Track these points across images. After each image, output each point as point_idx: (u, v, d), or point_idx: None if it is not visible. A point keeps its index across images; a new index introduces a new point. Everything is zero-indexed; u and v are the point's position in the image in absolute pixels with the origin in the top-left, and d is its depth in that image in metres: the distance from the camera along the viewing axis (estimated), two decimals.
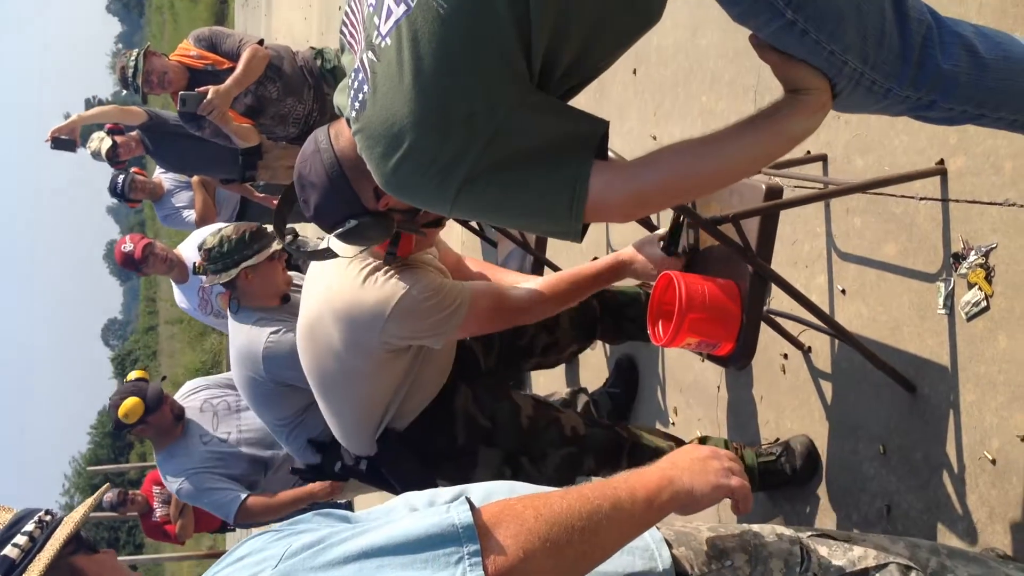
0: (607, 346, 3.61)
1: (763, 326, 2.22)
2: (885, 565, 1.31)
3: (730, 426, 2.92)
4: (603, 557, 1.11)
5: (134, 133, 4.86)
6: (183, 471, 3.43)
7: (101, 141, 4.94)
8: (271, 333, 2.93)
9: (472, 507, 1.04)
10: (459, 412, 2.38)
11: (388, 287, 2.11)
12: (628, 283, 3.07)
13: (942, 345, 2.09)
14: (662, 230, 2.26)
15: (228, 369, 3.82)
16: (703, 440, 2.62)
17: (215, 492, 3.40)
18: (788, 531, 1.36)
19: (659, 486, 1.16)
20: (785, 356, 2.64)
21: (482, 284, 2.28)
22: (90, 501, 1.32)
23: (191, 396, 3.72)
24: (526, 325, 2.53)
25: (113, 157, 4.91)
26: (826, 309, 2.37)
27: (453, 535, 1.01)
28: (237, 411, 3.59)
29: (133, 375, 3.82)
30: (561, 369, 3.82)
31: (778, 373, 2.67)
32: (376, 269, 2.15)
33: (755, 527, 1.37)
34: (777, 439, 2.60)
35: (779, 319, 2.45)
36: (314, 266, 2.34)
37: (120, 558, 1.32)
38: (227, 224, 3.42)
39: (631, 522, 1.12)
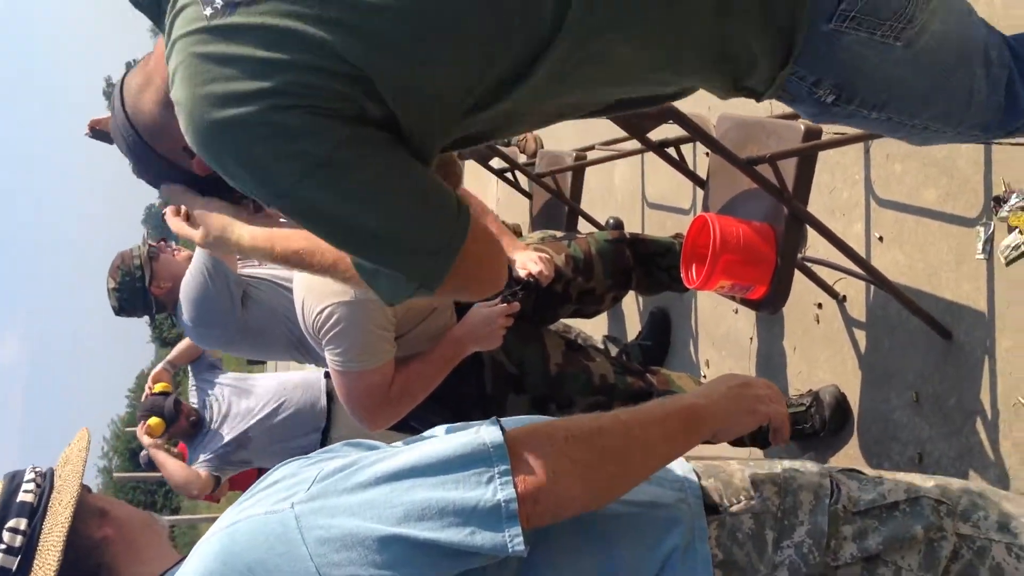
0: (640, 299, 3.60)
1: (797, 275, 2.20)
2: (916, 499, 1.30)
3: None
4: (635, 481, 1.10)
5: None
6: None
7: None
8: None
9: (502, 428, 1.04)
10: (487, 359, 2.35)
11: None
12: (662, 232, 3.06)
13: (979, 291, 2.06)
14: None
15: None
16: None
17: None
18: (818, 466, 1.35)
19: (693, 411, 1.16)
20: (819, 306, 2.62)
21: (392, 367, 2.09)
22: (83, 444, 1.29)
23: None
24: (562, 269, 2.52)
25: None
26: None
27: (484, 454, 1.01)
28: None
29: (158, 388, 3.86)
30: (595, 320, 3.82)
31: (811, 323, 2.65)
32: None
33: (785, 462, 1.36)
34: (810, 390, 2.58)
35: (814, 267, 2.43)
36: None
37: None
38: None
39: (664, 446, 1.12)
